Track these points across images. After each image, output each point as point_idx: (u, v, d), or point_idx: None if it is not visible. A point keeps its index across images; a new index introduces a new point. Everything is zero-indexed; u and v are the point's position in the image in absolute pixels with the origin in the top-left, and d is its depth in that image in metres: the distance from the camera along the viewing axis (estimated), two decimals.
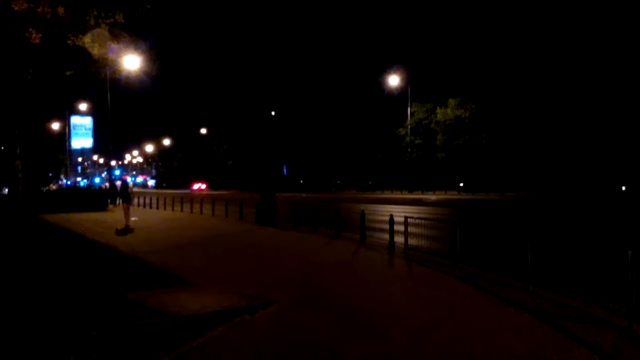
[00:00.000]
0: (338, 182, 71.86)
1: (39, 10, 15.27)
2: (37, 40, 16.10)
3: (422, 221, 12.45)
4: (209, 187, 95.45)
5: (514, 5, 57.47)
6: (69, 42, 16.56)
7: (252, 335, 6.15)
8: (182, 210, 29.85)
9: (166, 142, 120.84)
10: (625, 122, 46.59)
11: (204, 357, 5.41)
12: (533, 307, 7.28)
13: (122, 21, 16.87)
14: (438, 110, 59.20)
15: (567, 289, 7.88)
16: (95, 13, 16.41)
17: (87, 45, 16.79)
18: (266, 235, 17.02)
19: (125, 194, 21.51)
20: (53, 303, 7.70)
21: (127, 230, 19.01)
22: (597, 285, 7.29)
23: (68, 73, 18.76)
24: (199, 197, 31.08)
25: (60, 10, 15.64)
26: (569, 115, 49.27)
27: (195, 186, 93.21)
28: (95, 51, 17.20)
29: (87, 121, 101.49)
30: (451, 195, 48.23)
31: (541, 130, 51.54)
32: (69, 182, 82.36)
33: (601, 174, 47.19)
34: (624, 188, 46.36)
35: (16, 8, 14.80)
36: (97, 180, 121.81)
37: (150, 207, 34.90)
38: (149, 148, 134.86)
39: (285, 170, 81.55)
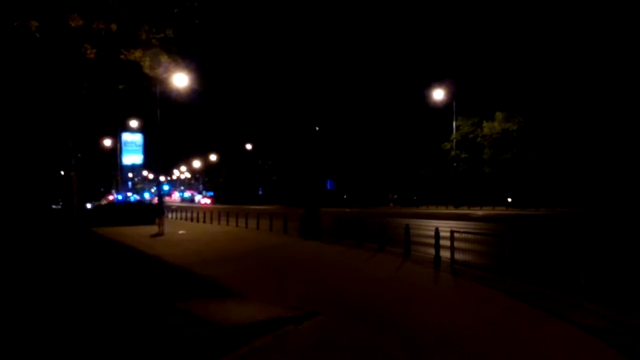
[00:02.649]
0: (395, 196, 70.72)
1: (94, 26, 16.02)
2: (92, 55, 16.88)
3: (469, 235, 12.23)
4: (247, 201, 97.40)
5: (560, 16, 56.04)
6: (121, 56, 17.26)
7: (298, 345, 6.15)
8: (227, 224, 30.29)
9: (212, 157, 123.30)
10: None
11: None
12: (587, 324, 6.99)
13: (172, 36, 17.44)
14: (484, 123, 58.16)
15: (622, 305, 7.56)
16: (146, 28, 17.05)
17: (138, 59, 17.47)
18: (310, 248, 17.05)
19: (160, 208, 27.45)
20: (102, 312, 7.93)
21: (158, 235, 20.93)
22: None
23: (120, 87, 19.55)
24: (245, 212, 31.51)
25: (114, 26, 16.35)
26: (620, 126, 47.53)
27: (203, 200, 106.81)
28: (146, 65, 17.84)
29: (138, 138, 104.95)
30: (499, 210, 47.11)
31: (592, 142, 49.86)
32: (119, 197, 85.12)
33: None
34: None
35: (73, 24, 15.57)
36: (146, 195, 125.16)
37: (197, 221, 35.59)
38: (196, 164, 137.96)
39: (329, 185, 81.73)
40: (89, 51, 16.79)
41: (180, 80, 27.30)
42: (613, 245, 16.50)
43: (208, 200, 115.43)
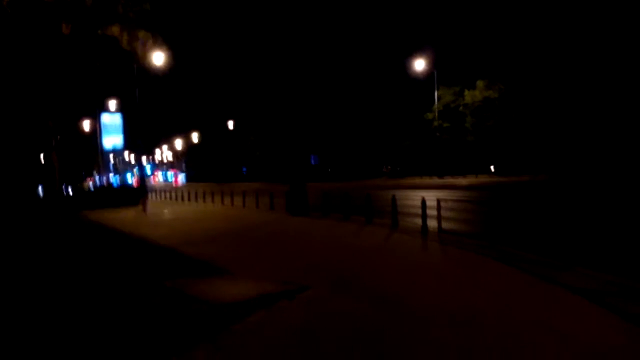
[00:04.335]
0: (389, 168, 70.73)
1: (68, 0, 15.52)
2: (67, 31, 16.38)
3: (454, 204, 12.30)
4: (222, 179, 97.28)
5: None
6: (98, 32, 16.79)
7: (291, 318, 6.15)
8: (213, 203, 30.14)
9: (194, 136, 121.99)
10: None
11: (246, 339, 5.43)
12: (580, 286, 7.08)
13: (149, 9, 16.97)
14: (466, 92, 58.22)
15: (610, 267, 7.67)
16: (123, 1, 16.59)
17: (116, 35, 17.01)
18: (297, 223, 17.04)
19: (143, 189, 27.25)
20: (96, 293, 7.86)
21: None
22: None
23: (98, 64, 19.09)
24: (230, 190, 31.32)
25: (89, 0, 15.88)
26: (601, 93, 47.89)
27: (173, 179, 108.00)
28: (124, 40, 17.40)
29: (117, 119, 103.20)
30: (482, 178, 47.53)
31: (572, 109, 50.25)
32: (102, 180, 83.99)
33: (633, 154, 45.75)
34: None
35: None
36: (128, 177, 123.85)
37: (182, 200, 35.36)
38: (178, 143, 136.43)
39: (313, 160, 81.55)
40: (64, 27, 16.29)
41: (159, 57, 26.74)
42: (596, 210, 16.75)
43: (180, 179, 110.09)
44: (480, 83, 56.79)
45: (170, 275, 8.98)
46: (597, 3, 47.91)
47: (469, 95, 58.12)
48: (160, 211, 26.81)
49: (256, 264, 10.09)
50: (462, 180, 45.39)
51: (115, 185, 77.05)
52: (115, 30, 16.57)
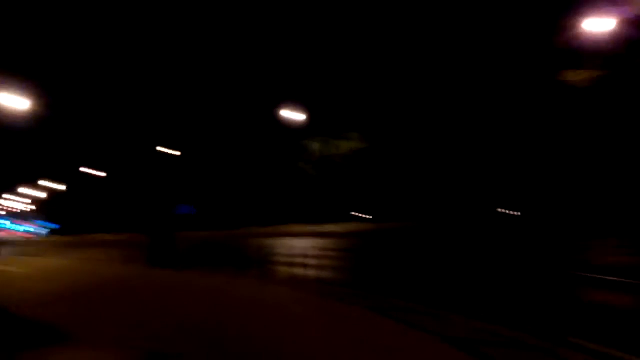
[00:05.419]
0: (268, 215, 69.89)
1: None
2: None
3: (327, 252, 12.09)
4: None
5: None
6: None
7: None
8: (69, 257, 27.42)
9: (55, 186, 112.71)
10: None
11: None
12: (449, 334, 6.97)
13: None
14: (338, 142, 60.18)
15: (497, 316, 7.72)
16: None
17: None
18: (162, 277, 15.76)
19: None
20: None
21: None
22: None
23: None
24: (91, 243, 28.79)
25: None
26: (458, 143, 51.84)
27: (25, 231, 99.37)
28: None
29: None
30: (355, 226, 48.69)
31: (436, 159, 53.86)
32: None
33: (484, 199, 49.77)
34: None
35: None
36: None
37: (36, 256, 31.83)
38: (33, 191, 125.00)
39: (187, 209, 78.69)
40: None
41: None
42: (469, 257, 17.49)
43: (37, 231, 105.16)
44: (352, 134, 59.05)
45: (3, 345, 7.53)
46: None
47: (341, 146, 60.09)
48: (8, 269, 23.73)
49: (110, 326, 8.88)
50: (335, 228, 46.12)
51: None
52: None
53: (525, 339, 6.59)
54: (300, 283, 12.05)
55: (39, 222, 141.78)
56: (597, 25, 27.36)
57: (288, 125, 59.32)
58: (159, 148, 32.96)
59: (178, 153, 41.12)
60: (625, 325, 7.23)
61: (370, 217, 56.97)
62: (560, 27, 38.64)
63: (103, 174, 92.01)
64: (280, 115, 55.96)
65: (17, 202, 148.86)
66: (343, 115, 60.37)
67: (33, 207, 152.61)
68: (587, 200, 37.99)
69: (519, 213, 46.54)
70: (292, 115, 55.78)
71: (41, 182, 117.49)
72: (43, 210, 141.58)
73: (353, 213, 57.75)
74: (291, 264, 14.10)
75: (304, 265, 12.41)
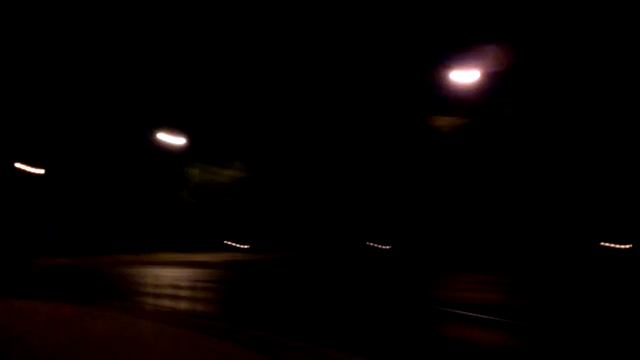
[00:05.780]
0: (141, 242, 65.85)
1: None
2: None
3: (200, 284, 11.61)
4: None
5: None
6: None
7: None
8: None
9: None
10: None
11: None
12: None
13: None
14: (220, 170, 59.33)
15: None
16: None
17: None
18: (6, 307, 13.95)
19: None
20: None
21: None
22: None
23: None
24: None
25: None
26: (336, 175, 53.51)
27: None
28: None
29: None
30: (232, 256, 47.77)
31: (313, 194, 55.03)
32: None
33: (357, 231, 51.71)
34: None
35: None
36: None
37: None
38: None
39: (49, 234, 72.08)
40: None
41: None
42: (342, 289, 17.73)
43: None
44: (234, 163, 58.70)
45: None
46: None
47: (223, 175, 59.40)
48: None
49: None
50: (211, 258, 44.94)
51: None
52: None
53: None
54: (168, 316, 11.38)
55: None
56: (463, 76, 30.03)
57: (166, 150, 57.45)
58: (18, 165, 29.98)
59: (42, 172, 37.75)
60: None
61: (247, 247, 56.40)
62: (430, 76, 42.02)
63: None
64: (158, 139, 53.91)
65: None
66: (226, 143, 59.86)
67: None
68: (447, 237, 40.89)
69: (389, 247, 48.78)
70: (171, 139, 53.93)
71: None
72: None
73: (230, 243, 56.78)
74: (160, 296, 13.28)
75: (175, 297, 11.76)
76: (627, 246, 30.73)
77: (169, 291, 12.01)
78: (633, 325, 9.64)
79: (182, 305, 11.64)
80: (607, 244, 31.11)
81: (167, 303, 12.06)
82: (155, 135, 58.46)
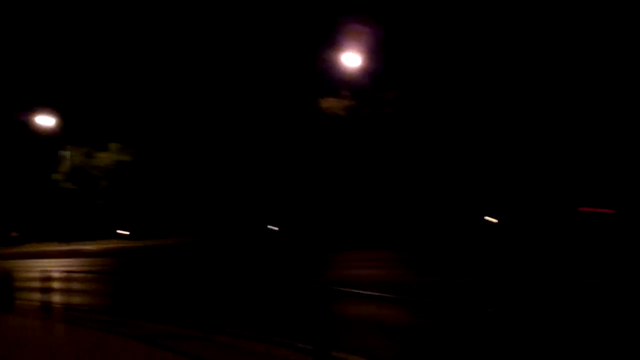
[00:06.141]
0: (17, 233, 60.15)
1: None
2: None
3: (82, 275, 10.79)
4: None
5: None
6: None
7: None
8: None
9: None
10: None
11: None
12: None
13: None
14: (98, 154, 55.77)
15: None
16: None
17: None
18: None
19: None
20: None
21: None
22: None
23: None
24: None
25: None
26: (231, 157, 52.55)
27: None
28: None
29: None
30: (114, 244, 45.38)
31: (203, 173, 53.66)
32: None
33: (253, 214, 51.27)
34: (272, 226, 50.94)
35: None
36: None
37: None
38: None
39: None
40: None
41: None
42: (234, 273, 17.40)
43: None
44: (113, 146, 55.46)
45: None
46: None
47: (100, 158, 55.90)
48: None
49: None
50: (93, 247, 42.40)
51: None
52: None
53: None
54: (45, 312, 10.45)
55: None
56: (348, 59, 30.60)
57: (37, 132, 52.87)
58: None
59: None
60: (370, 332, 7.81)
61: (136, 233, 53.81)
62: (317, 58, 42.48)
63: None
64: (27, 120, 49.30)
65: None
66: (104, 124, 56.34)
67: None
68: (339, 216, 41.80)
69: (278, 228, 48.81)
70: (42, 120, 49.41)
71: None
72: None
73: (118, 230, 53.92)
74: (32, 289, 12.17)
75: (47, 291, 10.79)
76: (495, 220, 33.17)
77: (39, 284, 11.00)
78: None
79: (57, 298, 10.73)
80: (490, 219, 33.41)
81: (38, 297, 11.04)
82: (24, 117, 53.61)
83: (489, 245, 22.55)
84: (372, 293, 6.54)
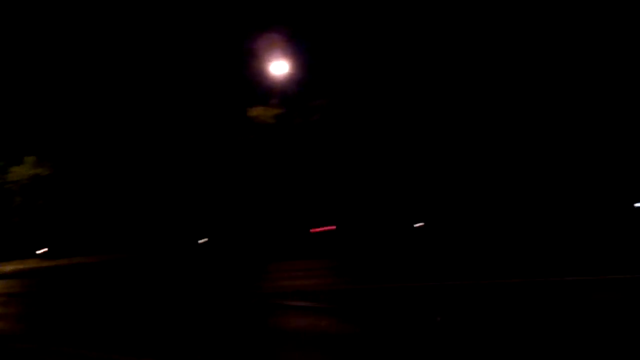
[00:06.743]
0: None
1: None
2: None
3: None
4: None
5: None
6: None
7: None
8: None
9: None
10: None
11: None
12: None
13: None
14: (13, 168, 52.46)
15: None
16: None
17: None
18: None
19: None
20: None
21: None
22: None
23: None
24: None
25: None
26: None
27: None
28: None
29: None
30: (30, 263, 42.69)
31: (127, 186, 51.75)
32: None
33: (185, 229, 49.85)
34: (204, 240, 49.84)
35: None
36: None
37: None
38: None
39: None
40: None
41: None
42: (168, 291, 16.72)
43: None
44: (28, 159, 52.40)
45: None
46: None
47: (15, 172, 52.62)
48: None
49: None
50: (6, 267, 39.74)
51: None
52: None
53: None
54: None
55: None
56: (276, 67, 30.56)
57: None
58: None
59: None
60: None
61: (57, 252, 50.82)
62: (245, 67, 42.19)
63: None
64: None
65: None
66: (20, 137, 53.15)
67: None
68: (263, 228, 41.77)
69: (206, 240, 47.68)
70: None
71: None
72: None
73: (38, 250, 50.81)
74: None
75: None
76: (422, 224, 34.16)
77: None
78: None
79: None
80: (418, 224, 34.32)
81: None
82: None
83: (417, 249, 23.06)
84: (318, 305, 6.43)
